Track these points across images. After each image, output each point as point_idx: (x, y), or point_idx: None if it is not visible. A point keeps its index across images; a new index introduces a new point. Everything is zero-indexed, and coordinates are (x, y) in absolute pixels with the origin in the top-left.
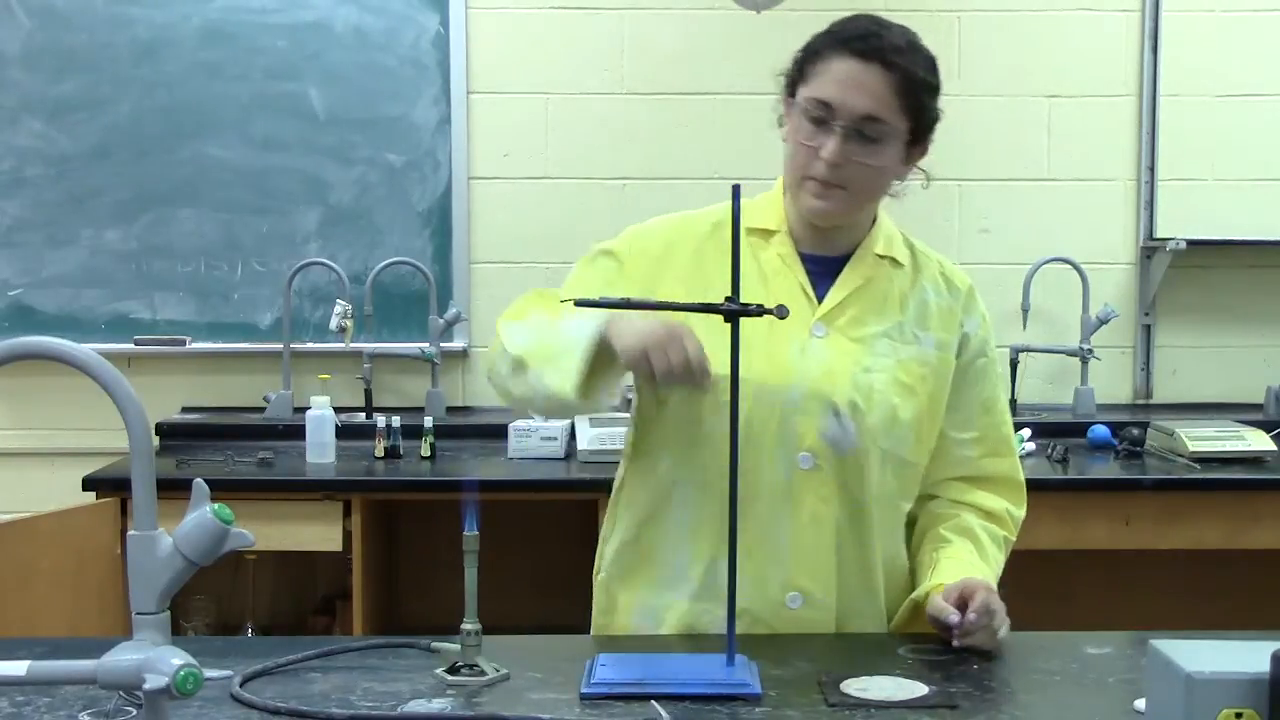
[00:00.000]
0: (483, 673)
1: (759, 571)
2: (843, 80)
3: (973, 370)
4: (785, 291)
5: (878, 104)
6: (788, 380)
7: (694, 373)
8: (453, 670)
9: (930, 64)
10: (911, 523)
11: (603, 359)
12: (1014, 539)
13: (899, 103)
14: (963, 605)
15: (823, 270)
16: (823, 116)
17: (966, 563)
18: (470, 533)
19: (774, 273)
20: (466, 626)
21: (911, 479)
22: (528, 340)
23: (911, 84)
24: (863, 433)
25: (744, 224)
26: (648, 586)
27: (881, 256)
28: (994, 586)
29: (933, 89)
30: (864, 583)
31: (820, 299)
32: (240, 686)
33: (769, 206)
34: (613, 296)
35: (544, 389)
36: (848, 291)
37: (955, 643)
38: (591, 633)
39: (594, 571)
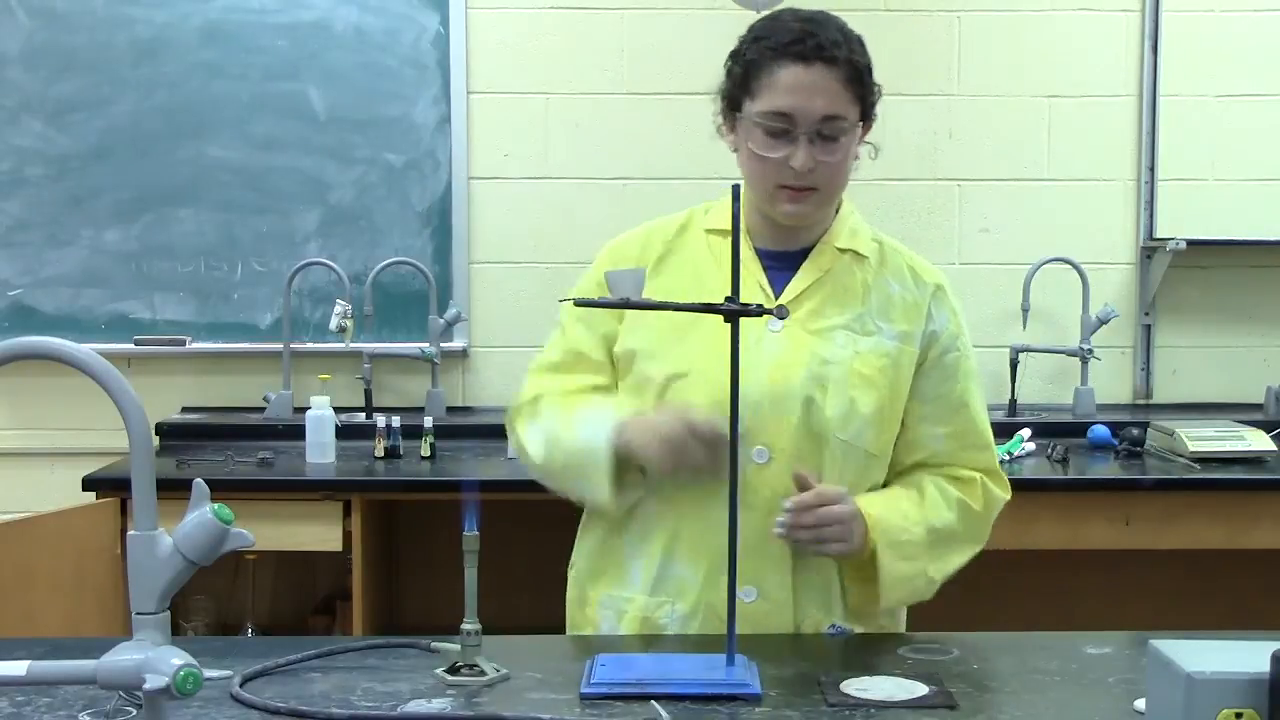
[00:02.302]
0: (483, 673)
1: (714, 566)
2: (794, 88)
3: (943, 366)
4: (749, 288)
5: (833, 102)
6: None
7: (715, 464)
8: (453, 670)
9: (862, 44)
10: None
11: (623, 459)
12: (981, 508)
13: (849, 94)
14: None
15: (783, 265)
16: (783, 127)
17: (889, 496)
18: (470, 533)
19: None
20: (466, 626)
21: (872, 472)
22: (548, 453)
23: (855, 72)
24: (822, 424)
25: (704, 225)
26: (613, 583)
27: (843, 250)
28: (851, 501)
29: (871, 69)
30: (821, 578)
31: (778, 294)
32: (240, 686)
33: (727, 207)
34: (612, 298)
35: (582, 499)
36: (805, 285)
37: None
38: (567, 624)
39: (569, 564)
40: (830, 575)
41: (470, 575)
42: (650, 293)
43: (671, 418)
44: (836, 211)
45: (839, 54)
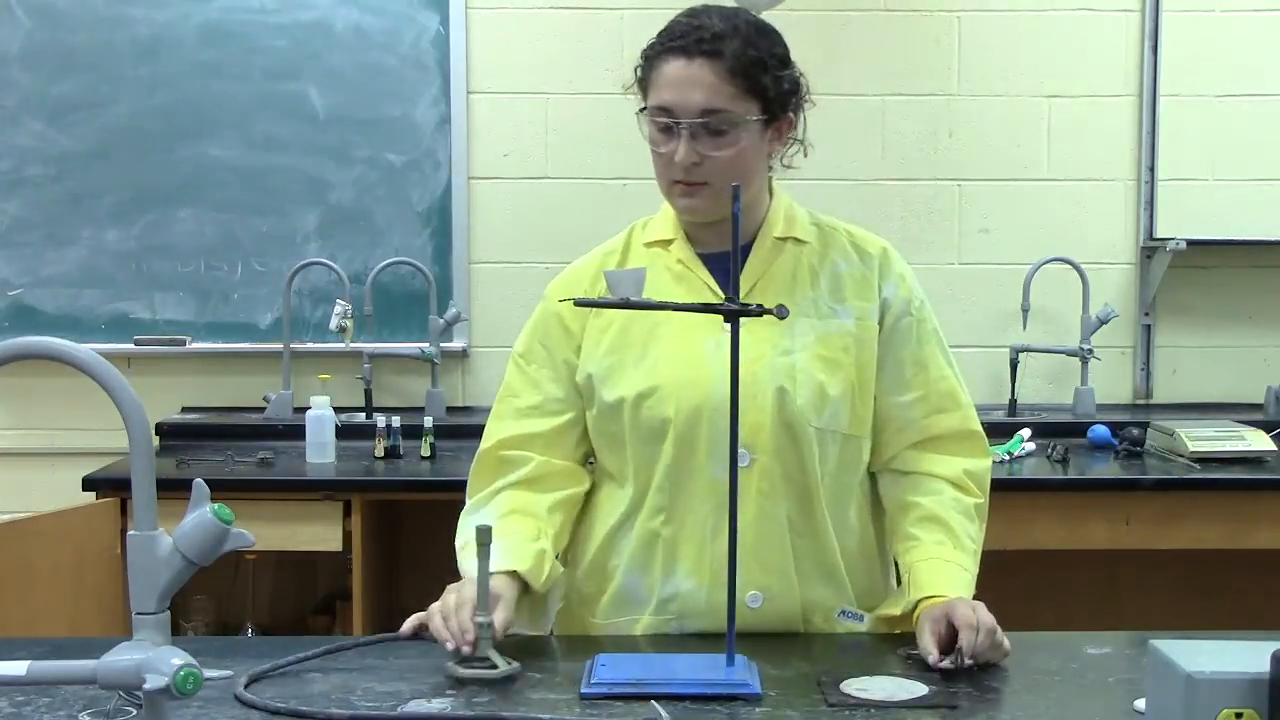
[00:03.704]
0: (494, 665)
1: (715, 576)
2: (674, 81)
3: (898, 332)
4: (694, 294)
5: (713, 96)
6: (706, 380)
7: (454, 637)
8: (464, 662)
9: (766, 37)
10: (879, 501)
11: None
12: (984, 499)
13: (735, 87)
14: (952, 633)
15: (725, 265)
16: (667, 122)
17: (940, 561)
18: (483, 525)
19: (678, 278)
20: (479, 619)
21: (855, 452)
22: (459, 562)
23: (742, 65)
24: (794, 415)
25: (644, 239)
26: (614, 607)
27: (782, 239)
28: (977, 605)
29: (769, 62)
30: (824, 568)
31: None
32: (245, 687)
33: (664, 218)
34: (611, 298)
35: None
36: (754, 280)
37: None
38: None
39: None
40: (834, 561)
41: (483, 568)
42: (606, 314)
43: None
44: (770, 205)
45: (724, 47)
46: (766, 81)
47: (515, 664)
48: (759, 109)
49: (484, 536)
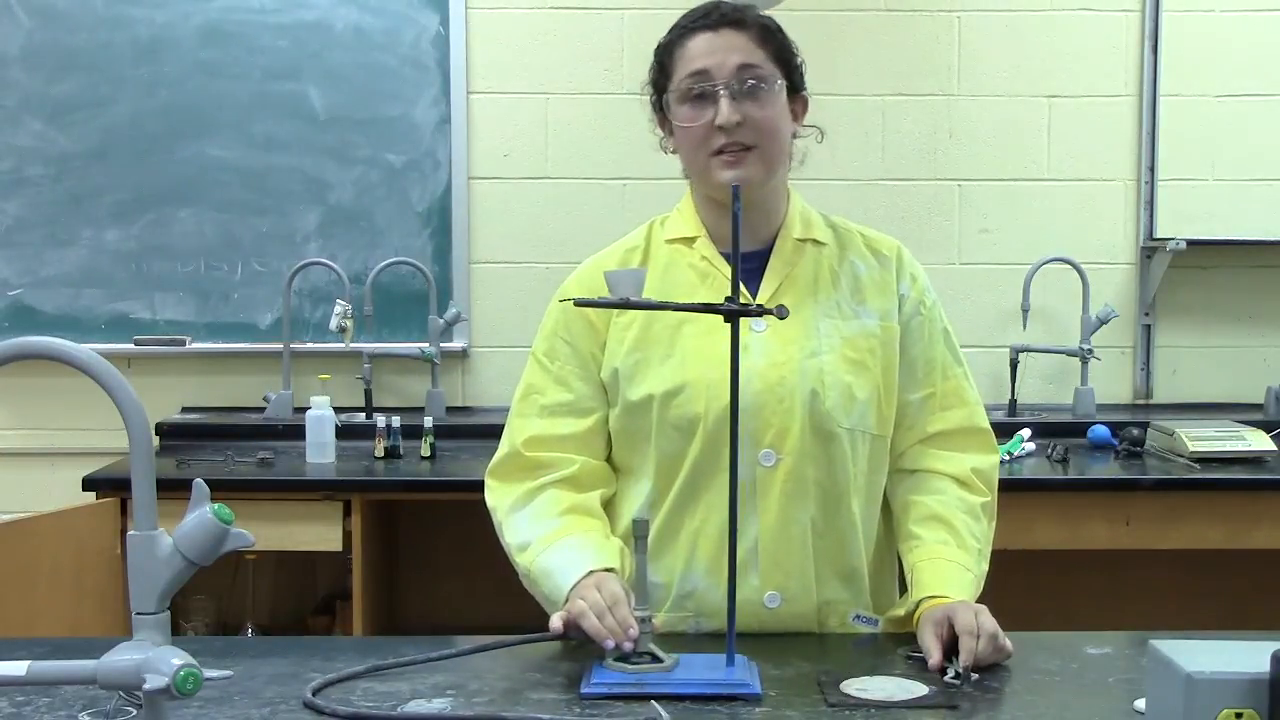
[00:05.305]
0: (657, 659)
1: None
2: (705, 50)
3: (910, 330)
4: (718, 293)
5: (747, 54)
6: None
7: (614, 634)
8: (625, 659)
9: (776, 24)
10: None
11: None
12: (991, 497)
13: (764, 51)
14: (954, 635)
15: (748, 266)
16: (703, 88)
17: (943, 562)
18: (640, 519)
19: (702, 276)
20: (639, 613)
21: (882, 452)
22: (522, 563)
23: (768, 32)
24: (824, 417)
25: (665, 236)
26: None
27: (802, 240)
28: (979, 610)
29: (788, 40)
30: (844, 570)
31: (752, 295)
32: (314, 694)
33: (684, 215)
34: (612, 297)
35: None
36: (778, 282)
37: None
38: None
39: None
40: (856, 564)
41: (641, 560)
42: (628, 311)
43: (616, 606)
44: (788, 208)
45: (746, 18)
46: (789, 50)
47: (675, 655)
48: (783, 75)
49: (641, 529)
